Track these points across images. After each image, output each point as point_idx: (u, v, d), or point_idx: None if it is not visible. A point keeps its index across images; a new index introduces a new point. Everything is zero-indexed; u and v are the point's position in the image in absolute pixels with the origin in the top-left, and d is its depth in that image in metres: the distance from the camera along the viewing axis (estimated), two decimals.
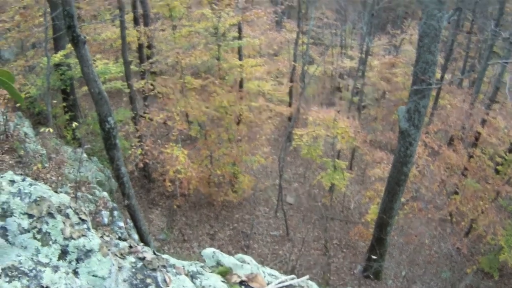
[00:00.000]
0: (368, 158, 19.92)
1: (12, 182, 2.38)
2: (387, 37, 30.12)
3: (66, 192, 11.10)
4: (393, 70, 25.68)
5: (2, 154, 8.91)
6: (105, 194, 11.52)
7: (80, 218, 2.45)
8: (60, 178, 11.35)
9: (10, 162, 9.14)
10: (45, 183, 10.38)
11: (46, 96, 14.53)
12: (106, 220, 10.69)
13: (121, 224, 11.20)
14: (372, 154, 19.47)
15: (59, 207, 2.38)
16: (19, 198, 2.26)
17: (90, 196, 11.39)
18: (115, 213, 11.34)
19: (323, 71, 30.23)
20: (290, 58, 25.13)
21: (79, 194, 11.05)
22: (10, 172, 2.51)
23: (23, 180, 2.45)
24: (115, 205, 11.56)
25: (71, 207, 2.48)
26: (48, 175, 9.76)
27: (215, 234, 17.08)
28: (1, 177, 2.39)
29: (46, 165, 10.67)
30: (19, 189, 2.34)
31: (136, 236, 12.24)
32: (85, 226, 2.43)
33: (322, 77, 30.56)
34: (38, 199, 2.31)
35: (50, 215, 2.29)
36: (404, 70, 24.73)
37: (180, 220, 17.42)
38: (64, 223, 2.32)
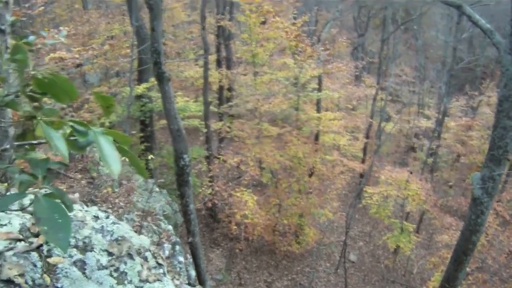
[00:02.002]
0: (437, 223, 19.21)
1: (96, 218, 2.43)
2: (465, 98, 29.25)
3: (131, 220, 11.29)
4: (469, 132, 24.77)
5: (75, 172, 9.19)
6: (170, 227, 11.57)
7: (157, 262, 2.47)
8: (128, 205, 11.58)
9: (82, 181, 9.41)
10: (113, 208, 10.58)
11: (125, 124, 15.02)
12: (167, 253, 10.71)
13: (181, 259, 11.18)
14: (441, 219, 18.73)
15: (139, 249, 2.41)
16: (101, 234, 2.31)
17: (155, 227, 11.50)
18: (177, 247, 11.36)
19: (399, 129, 29.63)
20: (367, 114, 24.86)
21: (144, 223, 11.20)
22: (95, 208, 2.56)
23: (107, 217, 2.49)
24: (178, 239, 11.57)
25: (150, 250, 2.50)
26: (117, 200, 9.93)
27: (273, 282, 16.73)
28: (86, 211, 2.42)
29: (116, 190, 10.88)
30: (102, 226, 2.38)
31: (193, 273, 12.16)
32: (161, 271, 2.44)
33: (397, 136, 29.94)
34: (119, 238, 2.34)
35: (129, 255, 2.31)
36: (481, 134, 23.79)
37: (240, 263, 17.24)
38: (142, 265, 2.34)
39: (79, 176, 9.33)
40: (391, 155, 28.24)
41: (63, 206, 1.32)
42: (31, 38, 2.19)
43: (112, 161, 1.25)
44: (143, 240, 2.52)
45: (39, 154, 1.44)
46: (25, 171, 1.48)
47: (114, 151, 1.29)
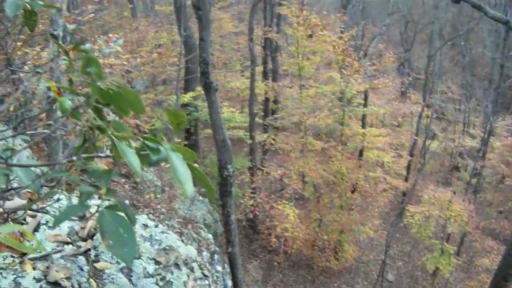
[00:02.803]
0: (478, 246, 18.84)
1: (145, 226, 2.46)
2: (511, 117, 28.42)
3: (172, 226, 11.37)
4: None
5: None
6: (210, 236, 11.62)
7: (203, 274, 2.49)
8: (169, 211, 11.68)
9: (126, 186, 9.54)
10: (154, 213, 10.63)
11: (170, 131, 15.19)
12: (205, 261, 10.75)
13: (219, 268, 11.20)
14: (483, 242, 18.34)
15: (186, 259, 2.42)
16: (149, 243, 2.34)
17: (194, 235, 11.55)
18: (215, 256, 11.38)
19: (443, 148, 29.01)
20: (412, 131, 24.45)
21: (185, 231, 11.27)
22: (145, 216, 2.57)
23: (156, 226, 2.50)
24: (217, 248, 11.61)
25: (196, 261, 2.52)
26: (159, 206, 10.05)
27: None
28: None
29: (159, 196, 11.01)
30: (151, 235, 2.41)
31: (229, 283, 12.14)
32: (206, 282, 2.45)
33: (442, 154, 29.32)
34: (167, 248, 2.36)
35: (176, 265, 2.32)
36: None
37: (277, 276, 17.17)
38: (188, 275, 2.34)
39: (123, 180, 9.49)
40: (434, 174, 27.64)
41: (127, 219, 1.32)
42: (88, 46, 2.20)
43: (185, 180, 1.23)
44: (190, 251, 2.53)
45: (101, 165, 1.44)
46: (88, 182, 1.47)
47: (186, 170, 1.26)
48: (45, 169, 1.72)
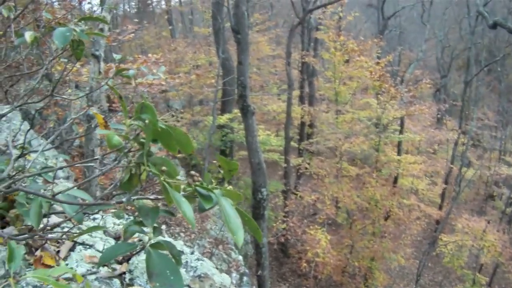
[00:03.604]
0: (511, 277, 18.37)
1: (181, 252, 2.44)
2: None
3: (203, 246, 11.43)
4: None
5: (153, 194, 9.44)
6: (240, 257, 11.65)
7: None
8: (201, 231, 11.75)
9: (159, 204, 9.62)
10: (185, 232, 10.68)
11: (205, 152, 15.37)
12: (234, 283, 10.74)
13: None
14: None
15: (220, 287, 2.38)
16: (184, 269, 2.31)
17: (225, 256, 11.59)
18: (245, 278, 11.38)
19: (479, 176, 28.43)
20: (447, 158, 24.09)
21: (215, 251, 11.32)
22: (181, 242, 2.59)
23: (192, 253, 2.50)
24: (246, 270, 11.62)
25: None
26: (190, 225, 10.05)
27: None
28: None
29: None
30: (186, 261, 2.39)
31: None
32: None
33: (477, 182, 28.72)
34: (202, 275, 2.33)
35: None
36: None
37: None
38: None
39: (153, 197, 9.62)
40: (469, 202, 27.05)
41: (173, 260, 1.34)
42: (131, 72, 2.29)
43: (237, 229, 1.24)
44: (225, 279, 2.51)
45: (147, 201, 1.46)
46: (134, 218, 1.52)
47: (238, 219, 1.27)
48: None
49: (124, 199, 1.42)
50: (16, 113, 4.60)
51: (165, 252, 1.37)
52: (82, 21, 1.85)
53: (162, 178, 1.29)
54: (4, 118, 4.02)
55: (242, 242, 1.23)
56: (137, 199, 1.43)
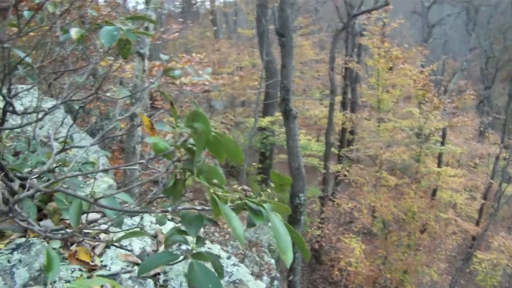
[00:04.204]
0: None
1: (218, 256, 2.43)
2: None
3: (236, 247, 11.45)
4: None
5: (190, 192, 9.49)
6: (273, 261, 11.63)
7: None
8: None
9: (195, 202, 9.66)
10: (220, 232, 10.70)
11: (245, 153, 15.41)
12: (264, 286, 10.74)
13: None
14: None
15: None
16: None
17: (257, 259, 11.58)
18: (275, 282, 11.35)
19: None
20: (488, 173, 23.56)
21: (248, 253, 11.33)
22: (218, 246, 2.54)
23: (228, 258, 2.48)
24: (278, 274, 11.59)
25: None
26: (226, 225, 10.12)
27: None
28: (209, 248, 2.42)
29: None
30: (222, 266, 2.38)
31: None
32: None
33: None
34: (237, 281, 2.31)
35: None
36: None
37: None
38: None
39: (191, 194, 9.68)
40: (507, 219, 26.40)
41: (215, 274, 1.31)
42: (177, 73, 2.25)
43: (286, 248, 1.20)
44: (259, 286, 2.47)
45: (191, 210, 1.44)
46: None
47: (288, 237, 1.23)
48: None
49: (169, 208, 1.40)
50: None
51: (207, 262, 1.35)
52: (129, 20, 1.85)
53: (211, 191, 1.28)
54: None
55: (290, 262, 1.19)
56: (184, 209, 1.41)
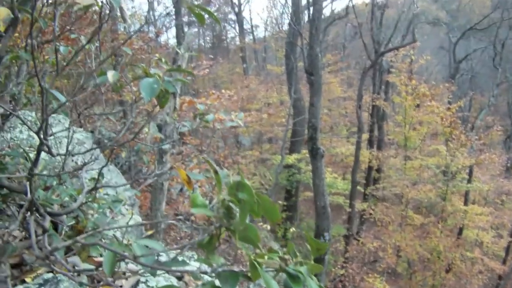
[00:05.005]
0: None
1: None
2: None
3: (259, 285, 11.61)
4: None
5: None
6: None
7: None
8: None
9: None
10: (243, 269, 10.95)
11: (271, 190, 15.65)
12: None
13: None
14: None
15: None
16: None
17: None
18: None
19: None
20: None
21: None
22: None
23: None
24: None
25: None
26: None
27: None
28: None
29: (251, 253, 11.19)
30: None
31: None
32: None
33: None
34: None
35: None
36: None
37: None
38: None
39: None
40: None
41: None
42: (211, 117, 2.44)
43: None
44: None
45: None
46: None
47: None
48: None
49: (208, 270, 1.39)
50: (88, 136, 4.73)
51: None
52: (166, 63, 1.90)
53: (252, 257, 1.30)
54: (75, 141, 4.17)
55: None
56: (223, 271, 1.38)
